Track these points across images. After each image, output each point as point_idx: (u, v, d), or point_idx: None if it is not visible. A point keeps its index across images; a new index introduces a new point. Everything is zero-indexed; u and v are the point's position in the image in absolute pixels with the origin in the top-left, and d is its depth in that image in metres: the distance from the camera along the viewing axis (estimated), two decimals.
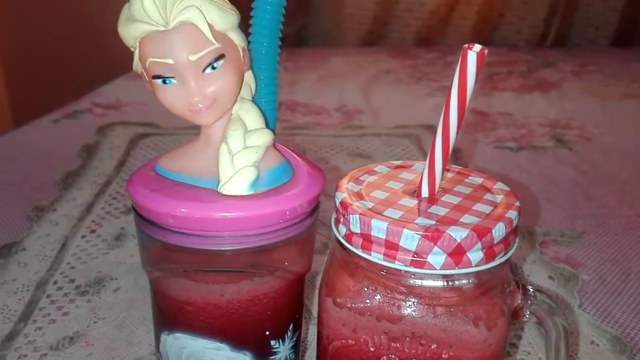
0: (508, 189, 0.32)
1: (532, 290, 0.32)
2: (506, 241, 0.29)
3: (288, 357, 0.33)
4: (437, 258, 0.28)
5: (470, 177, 0.34)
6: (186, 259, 0.29)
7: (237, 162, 0.28)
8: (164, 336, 0.32)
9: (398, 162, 0.35)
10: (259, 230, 0.28)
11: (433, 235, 0.27)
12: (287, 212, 0.28)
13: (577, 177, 0.76)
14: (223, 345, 0.31)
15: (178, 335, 0.31)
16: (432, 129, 0.92)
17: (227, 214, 0.27)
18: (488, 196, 0.31)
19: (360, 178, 0.33)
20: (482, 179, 0.33)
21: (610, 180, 0.76)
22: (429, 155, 0.30)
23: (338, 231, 0.31)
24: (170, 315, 0.31)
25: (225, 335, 0.30)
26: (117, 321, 0.50)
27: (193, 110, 0.27)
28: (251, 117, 0.29)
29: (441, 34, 1.56)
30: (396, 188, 0.32)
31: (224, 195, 0.28)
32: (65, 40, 1.34)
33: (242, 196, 0.28)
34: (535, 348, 0.45)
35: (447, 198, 0.31)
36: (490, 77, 1.19)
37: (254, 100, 0.30)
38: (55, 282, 0.55)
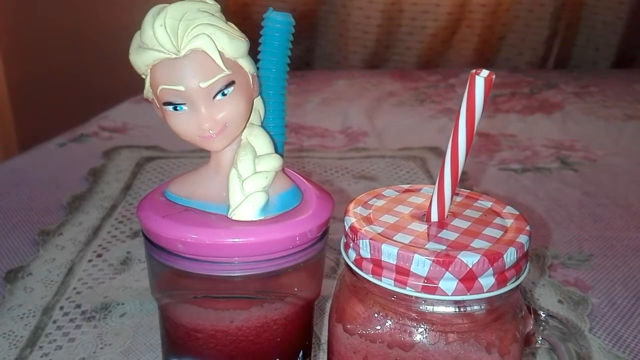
0: (517, 212, 0.32)
1: (543, 315, 0.32)
2: (517, 266, 0.29)
3: None
4: (448, 284, 0.28)
5: (479, 201, 0.34)
6: (196, 285, 0.29)
7: (247, 188, 0.28)
8: None
9: (406, 186, 0.35)
10: (268, 255, 0.28)
11: (444, 260, 0.27)
12: (297, 237, 0.28)
13: (583, 198, 0.76)
14: None
15: None
16: (437, 151, 0.93)
17: (237, 240, 0.27)
18: (498, 220, 0.31)
19: (368, 202, 0.33)
20: (491, 203, 0.33)
21: (617, 201, 0.76)
22: (437, 180, 0.31)
23: (348, 256, 0.31)
24: (179, 342, 0.31)
25: None
26: (124, 347, 0.49)
27: (204, 136, 0.27)
28: (260, 142, 0.29)
29: (443, 57, 1.57)
30: (405, 212, 0.32)
31: (234, 220, 0.28)
32: (71, 65, 1.35)
33: (252, 222, 0.28)
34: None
35: (457, 222, 0.31)
36: (493, 99, 1.20)
37: (263, 126, 0.30)
38: (62, 308, 0.54)
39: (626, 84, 1.34)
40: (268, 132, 0.30)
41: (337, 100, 1.21)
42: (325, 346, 0.49)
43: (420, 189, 0.35)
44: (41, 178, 0.83)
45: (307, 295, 0.31)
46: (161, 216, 0.28)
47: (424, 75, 1.42)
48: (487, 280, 0.28)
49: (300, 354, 0.32)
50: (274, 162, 0.29)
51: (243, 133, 0.29)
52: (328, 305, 0.54)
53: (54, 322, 0.52)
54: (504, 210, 0.32)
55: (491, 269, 0.28)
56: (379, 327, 0.30)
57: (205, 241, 0.27)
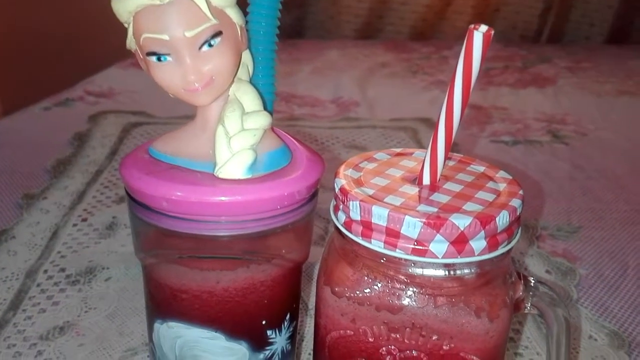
0: (510, 177, 0.31)
1: (533, 281, 0.32)
2: (510, 230, 0.29)
3: (284, 348, 0.33)
4: (439, 246, 0.27)
5: (472, 165, 0.33)
6: (181, 245, 0.28)
7: (234, 145, 0.27)
8: (157, 325, 0.31)
9: (398, 150, 0.35)
10: (256, 215, 0.27)
11: (435, 222, 0.27)
12: (286, 198, 0.27)
13: (573, 171, 0.76)
14: (218, 335, 0.30)
15: (172, 324, 0.30)
16: (428, 122, 0.92)
17: (224, 198, 0.26)
18: (491, 184, 0.31)
19: (359, 165, 0.33)
20: (484, 168, 0.32)
21: (607, 175, 0.75)
22: (431, 141, 0.30)
23: (337, 219, 0.31)
24: (164, 304, 0.30)
25: (220, 324, 0.30)
26: (109, 311, 0.49)
27: (189, 89, 0.26)
28: (249, 98, 0.28)
29: (436, 28, 1.55)
30: (396, 175, 0.32)
31: (220, 179, 0.27)
32: (57, 29, 1.32)
33: (239, 180, 0.27)
34: (534, 343, 0.45)
35: (449, 186, 0.30)
36: (486, 71, 1.19)
37: (252, 82, 0.29)
38: (46, 271, 0.53)
39: (619, 60, 1.34)
40: (257, 89, 0.29)
41: (328, 70, 1.19)
42: (312, 311, 0.49)
43: (412, 153, 0.34)
44: (25, 142, 0.81)
45: (295, 257, 0.31)
46: (145, 173, 0.27)
47: (417, 47, 1.40)
48: (478, 244, 0.27)
49: (287, 316, 0.32)
50: (263, 119, 0.28)
51: (230, 88, 0.28)
52: (316, 271, 0.54)
53: (38, 285, 0.52)
54: (496, 175, 0.32)
55: (483, 232, 0.27)
56: (367, 290, 0.30)
57: (190, 199, 0.26)
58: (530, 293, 0.31)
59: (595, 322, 0.47)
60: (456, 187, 0.30)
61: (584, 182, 0.73)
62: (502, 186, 0.30)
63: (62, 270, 0.54)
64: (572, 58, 1.32)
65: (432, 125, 0.91)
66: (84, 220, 0.62)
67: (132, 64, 1.14)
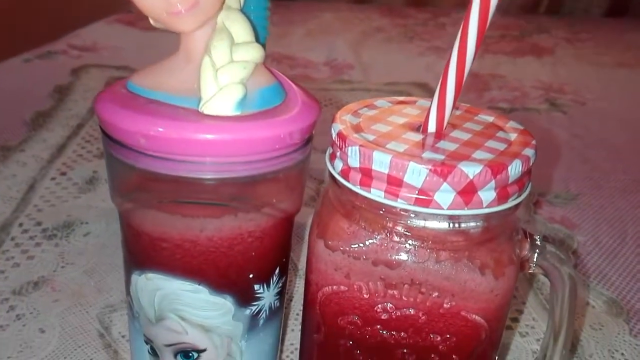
0: (522, 127, 0.29)
1: (539, 240, 0.30)
2: (521, 182, 0.26)
3: (272, 305, 0.30)
4: (445, 196, 0.25)
5: (480, 115, 0.30)
6: (161, 188, 0.26)
7: (221, 78, 0.24)
8: (134, 277, 0.29)
9: (400, 98, 0.32)
10: (245, 157, 0.25)
11: (442, 170, 0.24)
12: (279, 139, 0.25)
13: (572, 140, 0.74)
14: (201, 288, 0.28)
15: (151, 275, 0.28)
16: (425, 87, 0.90)
17: (209, 136, 0.23)
18: (501, 134, 0.28)
19: (358, 111, 0.30)
20: (493, 117, 0.30)
21: (605, 144, 0.74)
22: (439, 84, 0.27)
23: (333, 167, 0.28)
24: (143, 253, 0.28)
25: (204, 276, 0.27)
26: (87, 267, 0.46)
27: (171, 11, 0.23)
28: (239, 28, 0.25)
29: None
30: (399, 122, 0.29)
31: (206, 115, 0.24)
32: None
33: (227, 117, 0.24)
34: (540, 322, 0.43)
35: (456, 134, 0.28)
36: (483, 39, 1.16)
37: (243, 11, 0.26)
38: (21, 225, 0.51)
39: (618, 32, 1.31)
40: (249, 18, 0.26)
41: (322, 33, 1.16)
42: (302, 272, 0.47)
43: (416, 101, 0.32)
44: (2, 93, 0.77)
45: (286, 207, 0.28)
46: (120, 107, 0.24)
47: (412, 13, 1.36)
48: (487, 195, 0.25)
49: (277, 271, 0.30)
50: (254, 51, 0.25)
51: (219, 16, 0.25)
52: (306, 232, 0.52)
53: (12, 239, 0.49)
54: (507, 125, 0.29)
55: (493, 181, 0.25)
56: (363, 244, 0.27)
57: (171, 135, 0.23)
58: (537, 252, 0.29)
59: (593, 290, 0.46)
60: (464, 136, 0.28)
61: (582, 151, 0.71)
62: (513, 136, 0.28)
63: (39, 224, 0.51)
64: (571, 30, 1.30)
65: (429, 90, 0.88)
66: (63, 174, 0.59)
67: (117, 20, 1.10)
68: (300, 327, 0.36)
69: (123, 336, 0.40)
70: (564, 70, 1.02)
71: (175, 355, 0.29)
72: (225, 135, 0.24)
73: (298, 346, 0.39)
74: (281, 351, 0.39)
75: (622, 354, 0.40)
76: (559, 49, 1.16)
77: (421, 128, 0.28)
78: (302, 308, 0.32)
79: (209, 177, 0.25)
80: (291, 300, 0.44)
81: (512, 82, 0.95)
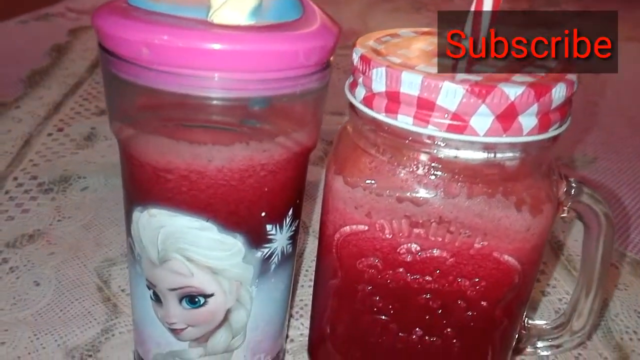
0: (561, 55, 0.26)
1: (575, 183, 0.28)
2: (563, 110, 0.24)
3: (285, 249, 0.28)
4: (481, 121, 0.22)
5: (514, 43, 0.28)
6: (165, 109, 0.23)
7: None
8: (136, 214, 0.26)
9: (425, 29, 0.30)
10: (257, 74, 0.22)
11: (481, 90, 0.22)
12: (296, 56, 0.22)
13: (587, 106, 0.71)
14: (209, 225, 0.25)
15: (154, 211, 0.25)
16: None
17: (218, 46, 0.21)
18: (539, 62, 0.26)
19: (381, 39, 0.28)
20: (529, 46, 0.28)
21: (621, 112, 0.72)
22: (474, 2, 0.25)
23: (354, 96, 0.26)
24: (145, 187, 0.25)
25: (212, 212, 0.25)
26: (85, 221, 0.44)
27: None
28: None
29: None
30: (427, 49, 0.27)
31: (215, 24, 0.22)
32: None
33: (239, 26, 0.22)
34: (562, 282, 0.41)
35: (490, 61, 0.25)
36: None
37: None
38: (16, 179, 0.48)
39: (627, 6, 1.28)
40: None
41: (328, 3, 1.12)
42: (313, 229, 0.45)
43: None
44: None
45: (301, 139, 0.26)
46: (121, 17, 0.22)
47: None
48: (528, 121, 0.23)
49: (290, 212, 0.28)
50: None
51: None
52: (317, 190, 0.49)
53: (6, 193, 0.47)
54: (545, 54, 0.27)
55: (536, 105, 0.22)
56: (387, 178, 0.25)
57: (176, 44, 0.21)
58: (573, 192, 0.27)
59: (616, 251, 0.44)
60: (501, 61, 0.25)
61: (598, 117, 0.69)
62: (552, 63, 0.26)
63: (34, 177, 0.49)
64: (580, 4, 1.27)
65: None
66: (60, 130, 0.56)
67: None
68: (311, 283, 0.34)
69: (123, 290, 0.38)
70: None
71: (180, 301, 0.27)
72: (236, 45, 0.21)
73: (308, 302, 0.37)
74: (291, 307, 0.36)
75: None
76: (569, 23, 1.13)
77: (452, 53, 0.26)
78: (315, 257, 0.30)
79: (217, 95, 0.22)
80: (301, 256, 0.42)
81: None
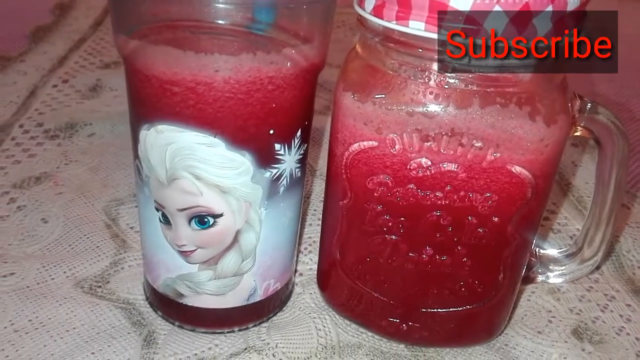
0: None
1: (589, 100, 0.27)
2: (578, 15, 0.23)
3: (293, 172, 0.28)
4: (496, 25, 0.22)
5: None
6: (169, 11, 0.22)
7: None
8: (143, 132, 0.26)
9: None
10: None
11: None
12: None
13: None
14: (218, 141, 0.25)
15: (161, 127, 0.25)
16: None
17: None
18: None
19: None
20: None
21: (633, 66, 0.70)
22: None
23: (364, 9, 0.25)
24: (152, 102, 0.25)
25: (220, 127, 0.25)
26: (92, 165, 0.44)
27: None
28: None
29: None
30: None
31: None
32: None
33: None
34: (572, 220, 0.41)
35: None
36: None
37: None
38: (22, 126, 0.48)
39: None
40: None
41: None
42: (319, 172, 0.44)
43: None
44: (1, 9, 0.74)
45: (309, 53, 0.25)
46: None
47: None
48: (542, 24, 0.22)
49: (298, 133, 0.27)
50: None
51: None
52: (323, 137, 0.49)
53: (13, 139, 0.47)
54: None
55: (551, 6, 0.22)
56: (398, 91, 0.24)
57: None
58: (588, 109, 0.27)
59: (628, 192, 0.43)
60: None
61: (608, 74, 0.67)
62: None
63: (40, 125, 0.48)
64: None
65: None
66: (65, 81, 0.56)
67: None
68: (319, 222, 0.34)
69: (132, 227, 0.38)
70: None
71: (190, 222, 0.27)
72: None
73: (316, 239, 0.37)
74: (299, 243, 0.36)
75: None
76: None
77: None
78: (325, 178, 0.30)
79: None
80: (309, 198, 0.42)
81: None
